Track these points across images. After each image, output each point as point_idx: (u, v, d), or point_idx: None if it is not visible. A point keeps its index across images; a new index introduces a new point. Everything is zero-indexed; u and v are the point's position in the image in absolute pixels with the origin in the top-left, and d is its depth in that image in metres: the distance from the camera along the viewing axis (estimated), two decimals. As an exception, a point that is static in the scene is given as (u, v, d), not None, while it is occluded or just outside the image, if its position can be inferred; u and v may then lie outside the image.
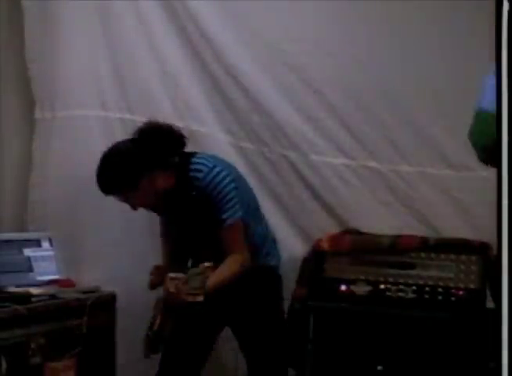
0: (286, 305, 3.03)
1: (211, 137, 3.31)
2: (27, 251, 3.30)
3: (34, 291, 3.05)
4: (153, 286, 2.90)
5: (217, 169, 2.75)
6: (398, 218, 3.16)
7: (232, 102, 3.32)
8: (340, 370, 2.89)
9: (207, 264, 2.62)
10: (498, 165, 1.35)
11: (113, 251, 3.41)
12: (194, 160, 2.80)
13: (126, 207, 3.21)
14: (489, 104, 1.69)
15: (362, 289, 2.92)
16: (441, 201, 3.11)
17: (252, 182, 3.07)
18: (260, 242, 2.89)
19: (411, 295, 2.87)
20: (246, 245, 2.80)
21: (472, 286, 2.81)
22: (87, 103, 3.48)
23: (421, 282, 2.87)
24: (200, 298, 2.62)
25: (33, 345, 2.88)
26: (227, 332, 3.01)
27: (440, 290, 2.84)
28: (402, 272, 2.90)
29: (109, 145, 2.85)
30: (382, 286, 2.90)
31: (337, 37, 3.20)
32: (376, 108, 3.17)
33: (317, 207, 3.25)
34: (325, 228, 3.19)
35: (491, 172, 1.49)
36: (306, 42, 3.22)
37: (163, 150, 2.78)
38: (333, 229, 3.19)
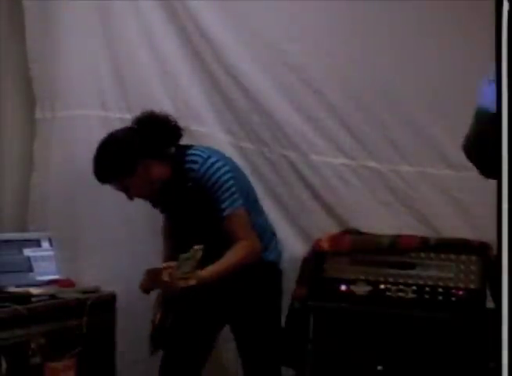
0: (287, 304, 3.03)
1: (211, 137, 3.31)
2: (27, 251, 3.30)
3: (34, 291, 3.05)
4: (144, 290, 2.86)
5: (212, 160, 2.77)
6: (398, 218, 3.16)
7: (232, 102, 3.32)
8: (340, 370, 2.89)
9: (196, 247, 2.62)
10: (498, 166, 1.35)
11: (113, 251, 3.41)
12: (189, 152, 2.83)
13: (126, 207, 3.22)
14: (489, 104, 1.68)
15: (362, 289, 2.92)
16: (441, 201, 3.11)
17: (252, 182, 3.07)
18: (259, 235, 2.88)
19: (411, 295, 2.87)
20: (253, 231, 2.80)
21: (472, 286, 2.81)
22: (87, 103, 3.49)
23: (421, 282, 2.87)
24: (192, 282, 2.62)
25: (33, 345, 2.88)
26: (227, 332, 3.01)
27: (440, 290, 2.84)
28: (402, 272, 2.90)
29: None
30: (382, 286, 2.90)
31: (337, 38, 3.19)
32: (376, 108, 3.17)
33: (317, 207, 3.25)
34: (325, 228, 3.19)
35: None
36: (306, 42, 3.22)
37: (159, 138, 2.81)
38: (333, 229, 3.19)
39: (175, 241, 3.01)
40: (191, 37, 3.34)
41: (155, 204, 2.98)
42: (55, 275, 3.30)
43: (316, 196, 3.25)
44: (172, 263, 2.68)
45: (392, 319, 2.83)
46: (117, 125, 3.41)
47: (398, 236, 2.99)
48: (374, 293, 2.90)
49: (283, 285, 3.00)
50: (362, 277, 2.93)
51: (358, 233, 3.14)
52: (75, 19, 3.46)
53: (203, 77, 3.35)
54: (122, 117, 3.41)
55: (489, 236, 2.60)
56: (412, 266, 2.90)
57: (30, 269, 3.27)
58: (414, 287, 2.87)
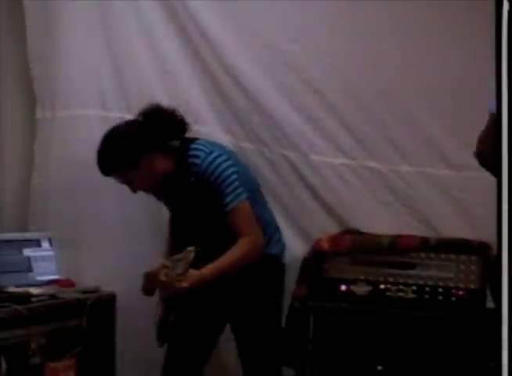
0: (287, 304, 3.03)
1: (211, 137, 3.30)
2: (27, 251, 3.30)
3: (34, 291, 3.05)
4: (146, 292, 2.86)
5: (214, 154, 2.76)
6: (398, 218, 3.16)
7: (232, 102, 3.32)
8: (340, 370, 2.89)
9: (189, 248, 2.62)
10: (498, 166, 1.35)
11: (113, 251, 3.41)
12: (193, 146, 2.82)
13: (126, 207, 3.22)
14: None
15: (362, 289, 2.92)
16: (441, 201, 3.11)
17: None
18: (262, 228, 2.86)
19: (411, 295, 2.87)
20: (257, 225, 2.79)
21: (472, 286, 2.81)
22: (87, 103, 3.49)
23: (421, 282, 2.87)
24: (185, 284, 2.62)
25: (33, 345, 2.88)
26: (227, 332, 3.01)
27: (440, 290, 2.84)
28: (402, 272, 2.90)
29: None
30: (382, 286, 2.90)
31: (337, 37, 3.19)
32: (376, 108, 3.17)
33: (317, 207, 3.25)
34: (325, 228, 3.19)
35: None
36: (306, 42, 3.22)
37: (163, 131, 2.81)
38: (333, 229, 3.19)
39: (177, 236, 3.00)
40: (191, 37, 3.34)
41: (158, 197, 2.96)
42: (55, 275, 3.30)
43: (316, 196, 3.25)
44: (168, 262, 2.67)
45: (392, 319, 2.83)
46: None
47: (398, 236, 2.99)
48: (374, 293, 2.90)
49: (285, 279, 3.00)
50: (362, 277, 2.93)
51: (358, 233, 3.14)
52: (75, 19, 3.46)
53: (203, 77, 3.35)
54: (122, 117, 3.40)
55: (489, 236, 2.60)
56: (412, 266, 2.90)
57: (30, 269, 3.27)
58: (414, 287, 2.87)
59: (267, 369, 2.94)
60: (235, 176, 2.75)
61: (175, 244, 2.99)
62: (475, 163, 2.09)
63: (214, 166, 2.74)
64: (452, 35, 3.02)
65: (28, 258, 3.29)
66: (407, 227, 3.10)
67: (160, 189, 2.88)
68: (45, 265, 3.31)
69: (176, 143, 2.85)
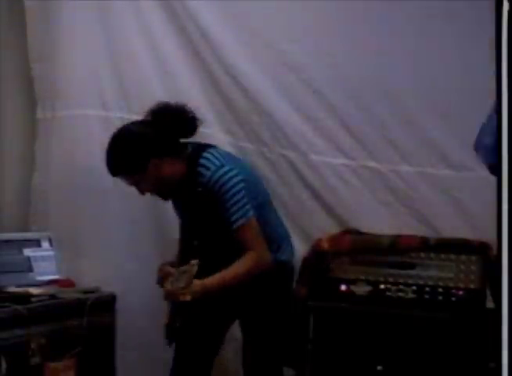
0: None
1: (211, 137, 3.31)
2: (27, 251, 3.30)
3: (34, 291, 3.05)
4: (160, 283, 2.91)
5: (225, 168, 2.73)
6: (398, 218, 3.16)
7: (232, 102, 3.32)
8: (340, 370, 2.89)
9: (193, 262, 2.61)
10: (498, 166, 1.35)
11: (113, 251, 3.41)
12: (204, 154, 2.79)
13: (126, 207, 3.22)
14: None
15: (362, 289, 2.92)
16: (441, 201, 3.11)
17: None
18: (271, 236, 2.86)
19: (411, 295, 2.87)
20: (263, 241, 2.79)
21: (472, 286, 2.81)
22: (87, 103, 3.49)
23: (421, 282, 2.87)
24: (188, 298, 2.61)
25: (33, 345, 2.88)
26: (228, 333, 3.02)
27: (440, 290, 2.84)
28: (402, 272, 2.90)
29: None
30: (382, 286, 2.90)
31: (337, 37, 3.19)
32: (376, 108, 3.16)
33: (317, 207, 3.25)
34: (325, 228, 3.19)
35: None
36: (306, 42, 3.22)
37: (173, 132, 2.78)
38: (333, 229, 3.19)
39: (184, 241, 3.01)
40: (191, 38, 3.34)
41: (165, 199, 2.94)
42: (55, 275, 3.30)
43: (316, 196, 3.25)
44: (173, 271, 2.68)
45: (392, 319, 2.83)
46: (118, 125, 3.42)
47: (398, 236, 2.99)
48: (374, 293, 2.90)
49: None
50: (362, 277, 2.93)
51: (358, 233, 3.14)
52: (75, 19, 3.46)
53: (203, 77, 3.35)
54: (122, 117, 3.41)
55: (489, 236, 2.60)
56: (412, 266, 2.90)
57: (30, 269, 3.27)
58: (414, 287, 2.87)
59: (269, 369, 2.94)
60: (243, 193, 2.73)
61: (183, 248, 3.00)
62: (475, 163, 2.09)
63: (223, 181, 2.71)
64: (452, 35, 3.02)
65: (28, 258, 3.29)
66: (407, 227, 3.10)
67: (168, 192, 2.87)
68: (45, 265, 3.31)
69: (189, 148, 2.82)
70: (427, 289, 2.85)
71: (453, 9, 2.98)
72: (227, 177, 2.72)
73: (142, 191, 2.85)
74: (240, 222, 2.72)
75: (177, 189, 2.83)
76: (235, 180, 2.73)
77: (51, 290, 3.13)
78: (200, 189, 2.74)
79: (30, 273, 3.27)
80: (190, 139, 2.89)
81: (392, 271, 2.91)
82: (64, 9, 3.46)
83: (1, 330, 2.78)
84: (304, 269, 3.05)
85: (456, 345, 2.74)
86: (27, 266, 3.27)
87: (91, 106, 3.48)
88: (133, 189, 2.87)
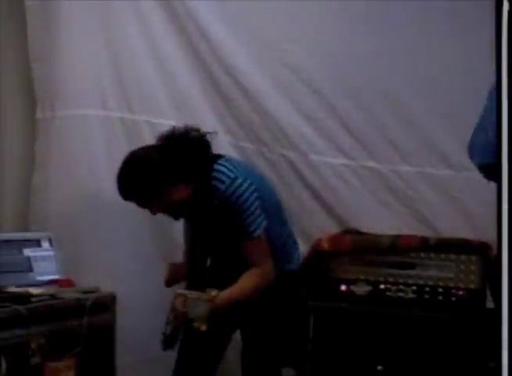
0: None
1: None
2: (27, 251, 3.29)
3: (34, 291, 3.04)
4: (168, 284, 2.93)
5: (238, 181, 2.69)
6: (398, 218, 3.16)
7: (232, 102, 3.32)
8: (340, 370, 2.89)
9: (213, 293, 2.62)
10: (498, 166, 1.35)
11: (113, 251, 3.41)
12: (216, 167, 2.74)
13: (126, 208, 3.21)
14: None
15: (362, 289, 2.92)
16: (441, 201, 3.12)
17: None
18: (280, 246, 2.85)
19: (411, 295, 2.87)
20: (269, 256, 2.77)
21: (472, 286, 2.81)
22: (87, 103, 3.48)
23: (421, 282, 2.87)
24: (204, 328, 2.60)
25: (33, 345, 2.88)
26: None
27: (440, 290, 2.84)
28: (402, 272, 2.90)
29: (110, 145, 2.83)
30: (382, 286, 2.90)
31: (337, 37, 3.20)
32: (376, 108, 3.17)
33: (317, 207, 3.25)
34: (325, 228, 3.19)
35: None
36: (306, 42, 3.22)
37: (186, 160, 2.73)
38: (333, 229, 3.19)
39: (195, 250, 3.00)
40: (191, 38, 3.34)
41: (176, 218, 2.88)
42: (55, 275, 3.29)
43: (316, 196, 3.25)
44: (187, 292, 2.68)
45: (392, 319, 2.83)
46: (118, 125, 3.43)
47: (398, 236, 2.99)
48: (374, 293, 2.90)
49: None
50: (362, 277, 2.93)
51: (358, 233, 3.14)
52: (75, 19, 3.46)
53: (203, 78, 3.35)
54: (122, 117, 3.41)
55: (489, 236, 2.60)
56: (412, 266, 2.90)
57: (30, 269, 3.27)
58: (414, 287, 2.87)
59: (268, 370, 2.93)
60: (257, 204, 2.70)
61: (192, 254, 3.00)
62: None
63: (238, 194, 2.67)
64: (452, 35, 3.02)
65: (28, 258, 3.28)
66: (407, 227, 3.10)
67: (180, 213, 2.84)
68: (45, 265, 3.30)
69: (199, 165, 2.76)
70: (427, 289, 2.85)
71: (453, 9, 2.98)
72: (242, 189, 2.68)
73: (154, 213, 2.83)
74: (255, 234, 2.70)
75: (189, 208, 2.80)
76: (248, 192, 2.69)
77: (51, 290, 3.13)
78: (216, 202, 2.71)
79: (30, 273, 3.26)
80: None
81: (392, 271, 2.91)
82: (64, 9, 3.46)
83: (1, 330, 2.77)
84: (303, 269, 3.05)
85: (456, 345, 2.74)
86: (27, 266, 3.26)
87: (91, 106, 3.48)
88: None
